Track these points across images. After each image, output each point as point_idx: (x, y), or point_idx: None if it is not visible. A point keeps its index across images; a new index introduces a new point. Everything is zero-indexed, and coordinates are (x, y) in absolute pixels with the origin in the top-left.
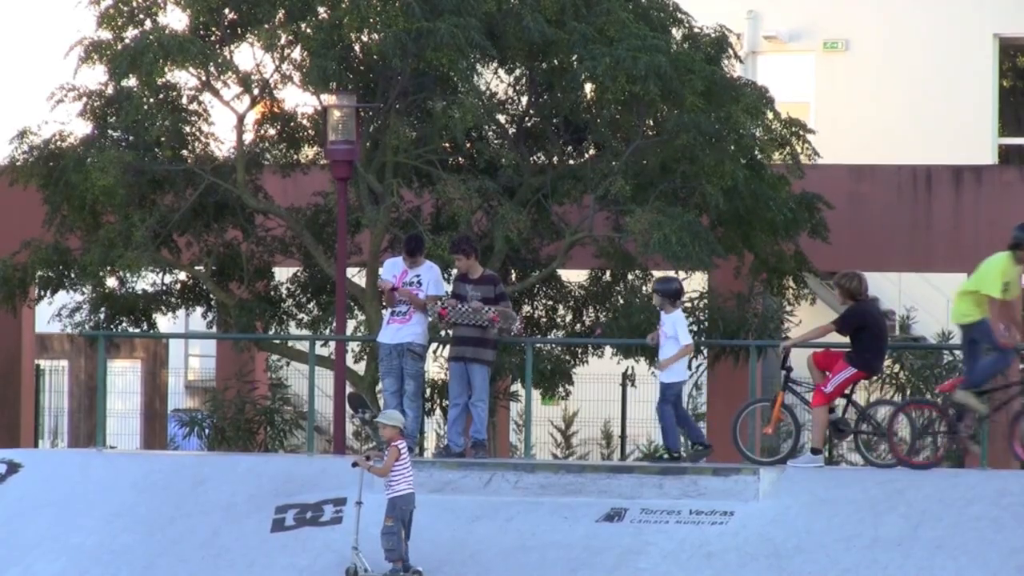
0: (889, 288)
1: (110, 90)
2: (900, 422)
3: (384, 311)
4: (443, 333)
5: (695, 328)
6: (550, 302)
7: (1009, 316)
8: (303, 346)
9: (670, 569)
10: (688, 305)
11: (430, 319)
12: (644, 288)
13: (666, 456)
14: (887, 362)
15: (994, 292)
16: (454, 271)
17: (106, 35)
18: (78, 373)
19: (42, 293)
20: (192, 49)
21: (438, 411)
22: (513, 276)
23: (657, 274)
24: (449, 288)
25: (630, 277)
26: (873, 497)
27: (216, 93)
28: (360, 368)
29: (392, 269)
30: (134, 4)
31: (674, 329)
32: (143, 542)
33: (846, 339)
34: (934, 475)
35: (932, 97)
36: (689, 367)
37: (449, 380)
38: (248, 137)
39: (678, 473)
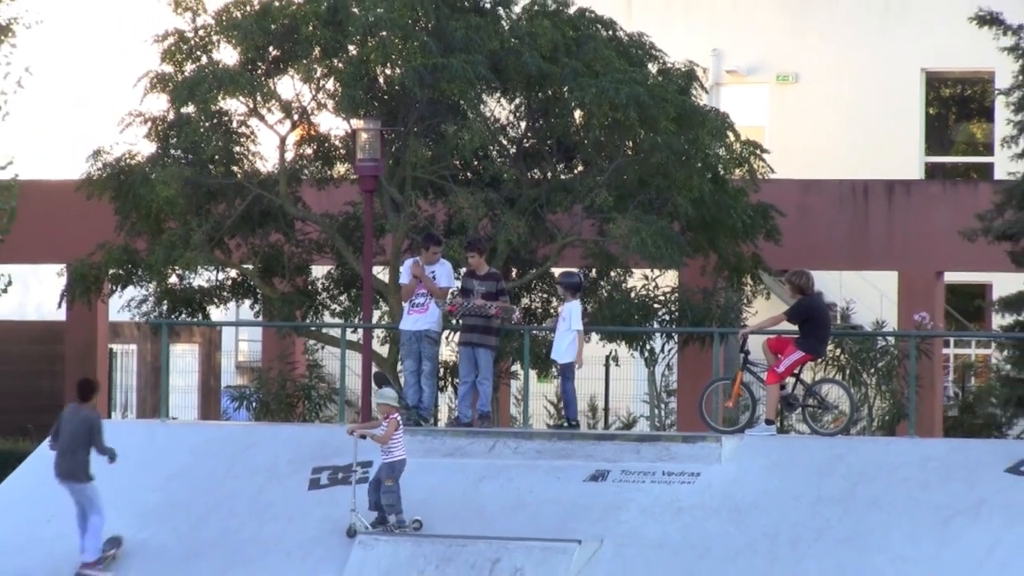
0: (831, 284)
1: (171, 115)
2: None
3: (404, 304)
4: (454, 322)
5: (667, 317)
6: (545, 295)
7: None
8: (336, 332)
9: (646, 521)
10: (661, 298)
11: (440, 310)
12: (624, 284)
13: (566, 425)
14: (830, 347)
15: None
16: (463, 269)
17: (168, 69)
18: (144, 355)
19: (114, 288)
20: (241, 81)
21: (450, 388)
22: (514, 273)
23: (563, 270)
24: (458, 283)
25: (612, 274)
26: (818, 461)
27: (262, 118)
28: (384, 351)
29: (409, 267)
30: (192, 42)
31: (570, 316)
32: (198, 498)
33: (795, 327)
34: (870, 442)
35: (869, 121)
36: (662, 351)
37: (459, 362)
38: (289, 155)
39: (653, 440)
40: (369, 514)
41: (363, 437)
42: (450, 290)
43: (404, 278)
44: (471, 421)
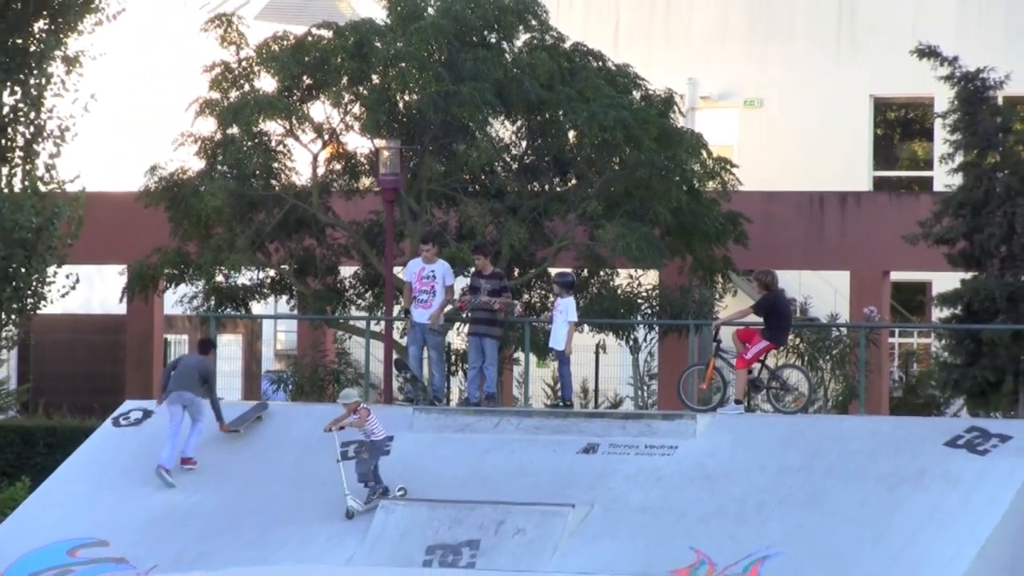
0: (792, 282)
1: (218, 136)
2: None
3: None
4: (464, 315)
5: (649, 311)
6: (543, 292)
7: None
8: (361, 324)
9: (631, 488)
10: (644, 294)
11: (449, 307)
12: (612, 282)
13: (562, 404)
14: (791, 337)
15: None
16: (471, 269)
17: (215, 95)
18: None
19: (168, 285)
20: (279, 106)
21: (460, 372)
22: (516, 272)
23: (559, 270)
24: (465, 281)
25: (601, 274)
26: (780, 436)
27: (296, 138)
28: (404, 340)
29: (412, 267)
30: (236, 72)
31: (566, 310)
32: (243, 468)
33: (761, 320)
34: (825, 419)
35: (824, 141)
36: (645, 340)
37: (468, 350)
38: (320, 170)
39: (636, 418)
40: (362, 493)
41: (341, 428)
42: (452, 285)
43: (406, 276)
44: (479, 401)
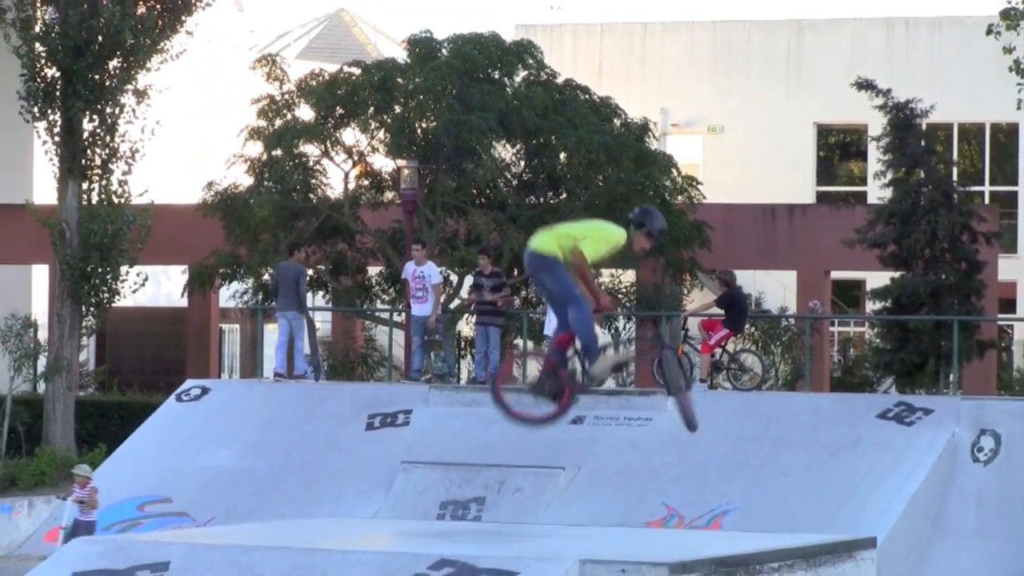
0: (748, 280)
1: (264, 157)
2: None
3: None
4: (472, 307)
5: (628, 304)
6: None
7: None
8: (385, 315)
9: (612, 453)
10: (624, 290)
11: (457, 302)
12: (596, 279)
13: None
14: (747, 326)
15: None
16: (477, 268)
17: (262, 123)
18: (245, 333)
19: (222, 282)
20: (315, 131)
21: (468, 356)
22: (515, 272)
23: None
24: (469, 280)
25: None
26: (738, 410)
27: (331, 159)
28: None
29: (408, 269)
30: (279, 103)
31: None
32: (284, 438)
33: (722, 311)
34: (776, 395)
35: (775, 161)
36: (624, 328)
37: (475, 337)
38: (351, 186)
39: (617, 394)
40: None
41: (81, 502)
42: (439, 284)
43: (405, 273)
44: (484, 380)
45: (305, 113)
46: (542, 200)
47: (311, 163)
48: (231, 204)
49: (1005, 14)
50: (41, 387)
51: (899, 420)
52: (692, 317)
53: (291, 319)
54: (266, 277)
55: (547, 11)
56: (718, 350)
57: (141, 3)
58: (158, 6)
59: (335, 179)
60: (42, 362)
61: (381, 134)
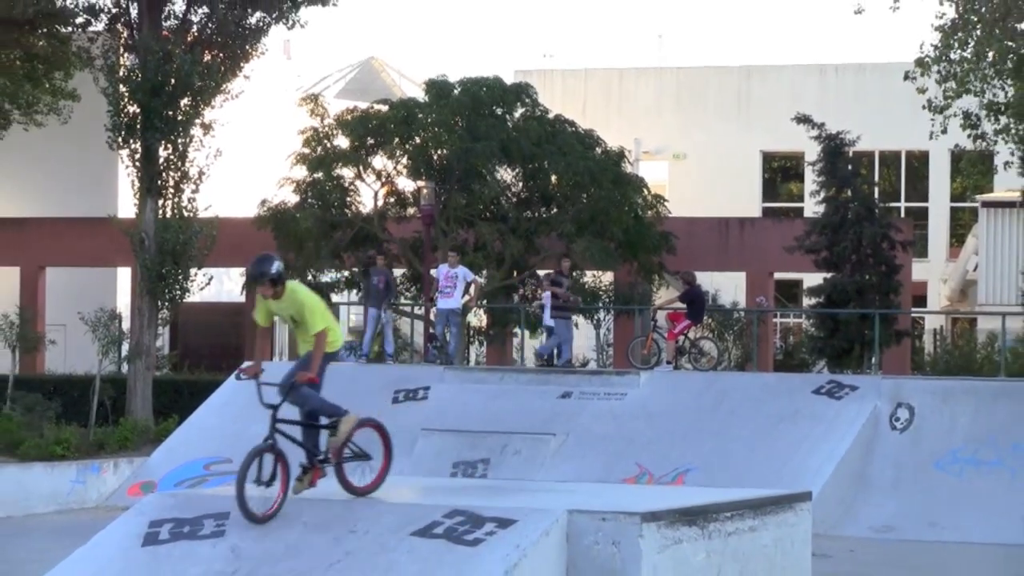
0: (706, 279)
1: (308, 179)
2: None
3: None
4: (480, 302)
5: (607, 299)
6: (533, 286)
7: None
8: (407, 308)
9: (595, 423)
10: (604, 288)
11: (464, 299)
12: (582, 279)
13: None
14: (705, 317)
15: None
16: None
17: (306, 151)
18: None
19: None
20: (351, 158)
21: (476, 342)
22: (515, 274)
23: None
24: (480, 277)
25: (575, 274)
26: (698, 386)
27: (363, 180)
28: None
29: (442, 269)
30: (320, 134)
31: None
32: None
33: (684, 306)
34: (729, 375)
35: (728, 182)
36: (604, 319)
37: (555, 326)
38: (379, 202)
39: (598, 374)
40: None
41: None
42: (476, 279)
43: (436, 274)
44: (565, 363)
45: (342, 142)
46: (537, 214)
47: (347, 184)
48: (281, 218)
49: (919, 62)
50: (124, 368)
51: (830, 395)
52: (660, 310)
53: (375, 318)
54: (309, 278)
55: (541, 59)
56: (681, 337)
57: (207, 52)
58: (221, 54)
59: (367, 197)
60: (125, 347)
61: (404, 160)
